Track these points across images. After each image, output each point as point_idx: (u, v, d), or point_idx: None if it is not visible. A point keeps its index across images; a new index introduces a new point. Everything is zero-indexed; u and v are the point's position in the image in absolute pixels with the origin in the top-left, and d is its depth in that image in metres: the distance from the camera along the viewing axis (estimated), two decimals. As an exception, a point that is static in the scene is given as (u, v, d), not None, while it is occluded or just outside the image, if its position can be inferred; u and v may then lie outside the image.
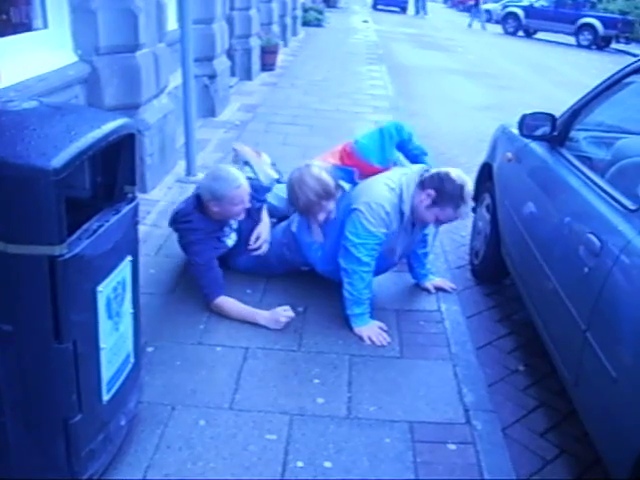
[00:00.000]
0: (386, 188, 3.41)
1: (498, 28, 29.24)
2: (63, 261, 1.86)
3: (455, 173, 3.40)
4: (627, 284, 2.34)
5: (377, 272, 3.58)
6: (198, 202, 3.54)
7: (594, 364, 2.39)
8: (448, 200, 3.34)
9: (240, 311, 3.45)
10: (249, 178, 3.80)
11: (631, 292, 2.30)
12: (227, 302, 3.45)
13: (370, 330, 3.38)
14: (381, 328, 3.41)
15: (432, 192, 3.34)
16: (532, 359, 3.59)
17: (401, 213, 3.41)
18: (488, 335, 3.82)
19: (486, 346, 3.69)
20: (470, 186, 3.42)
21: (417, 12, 34.04)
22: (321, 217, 3.52)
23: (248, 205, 3.56)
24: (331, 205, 3.50)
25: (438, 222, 3.52)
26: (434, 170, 3.46)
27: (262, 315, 3.41)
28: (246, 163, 4.04)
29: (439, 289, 3.92)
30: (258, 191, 3.82)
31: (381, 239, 3.39)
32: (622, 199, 2.61)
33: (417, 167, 3.62)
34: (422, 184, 3.40)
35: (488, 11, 32.35)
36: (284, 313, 3.39)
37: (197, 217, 3.52)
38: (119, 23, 4.59)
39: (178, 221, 3.58)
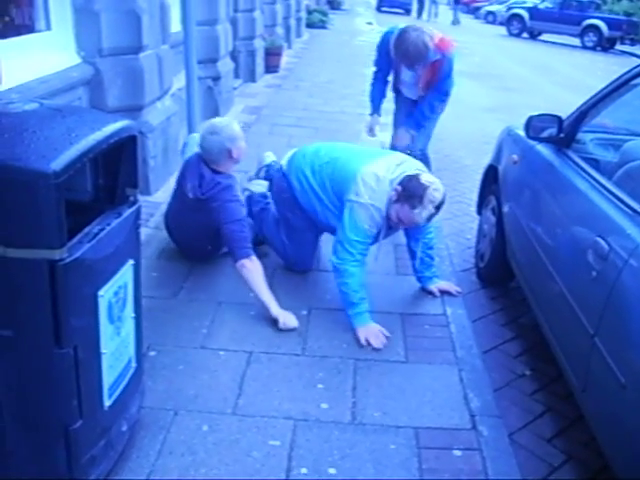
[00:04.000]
0: (385, 188, 3.39)
1: (502, 30, 29.19)
2: (63, 265, 1.83)
3: (427, 177, 3.38)
4: (636, 288, 2.30)
5: None
6: (213, 170, 3.73)
7: (602, 370, 2.36)
8: (407, 197, 3.30)
9: (261, 285, 3.47)
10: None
11: (640, 296, 2.27)
12: (257, 266, 3.49)
13: (368, 331, 3.35)
14: (382, 332, 3.38)
15: (399, 187, 3.34)
16: (538, 363, 3.55)
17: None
18: (494, 339, 3.78)
19: (492, 350, 3.65)
20: (438, 194, 3.30)
21: (430, 15, 33.59)
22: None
23: None
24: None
25: (399, 221, 3.44)
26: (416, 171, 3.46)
27: (276, 307, 3.44)
28: None
29: (444, 292, 3.88)
30: None
31: (373, 237, 3.46)
32: (630, 202, 2.57)
33: (414, 165, 3.61)
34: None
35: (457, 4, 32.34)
36: (293, 319, 3.42)
37: (222, 177, 3.71)
38: (122, 24, 4.57)
39: (207, 188, 3.70)
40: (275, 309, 3.42)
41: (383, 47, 4.97)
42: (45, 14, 4.26)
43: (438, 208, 3.34)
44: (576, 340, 2.68)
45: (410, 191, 3.30)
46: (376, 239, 3.51)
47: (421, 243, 3.81)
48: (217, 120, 4.00)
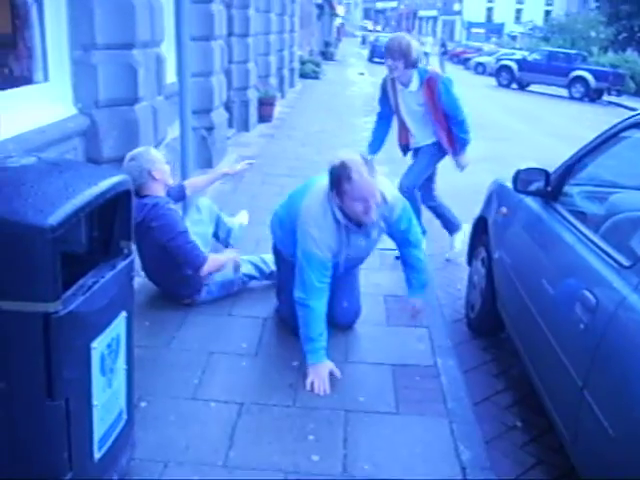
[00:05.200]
0: (325, 204, 3.32)
1: (492, 80, 29.72)
2: (58, 318, 1.85)
3: (344, 154, 3.21)
4: (623, 341, 2.33)
5: None
6: (138, 194, 3.83)
7: (591, 422, 2.37)
8: (339, 187, 3.18)
9: (219, 259, 4.03)
10: None
11: (627, 349, 2.29)
12: (212, 258, 3.95)
13: (317, 373, 3.35)
14: (332, 372, 3.38)
15: (334, 190, 3.24)
16: (530, 415, 3.55)
17: (337, 222, 3.33)
18: (485, 390, 3.77)
19: (483, 402, 3.65)
20: (359, 159, 3.14)
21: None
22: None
23: None
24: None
25: (359, 216, 3.26)
26: None
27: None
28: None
29: (414, 312, 3.90)
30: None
31: (327, 261, 3.36)
32: (616, 255, 2.62)
33: None
34: None
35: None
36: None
37: (148, 198, 3.89)
38: (119, 77, 4.65)
39: (137, 212, 3.74)
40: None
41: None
42: (43, 66, 4.34)
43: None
44: (565, 392, 2.70)
45: (335, 177, 3.19)
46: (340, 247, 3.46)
47: (410, 258, 3.78)
48: (135, 150, 4.17)
